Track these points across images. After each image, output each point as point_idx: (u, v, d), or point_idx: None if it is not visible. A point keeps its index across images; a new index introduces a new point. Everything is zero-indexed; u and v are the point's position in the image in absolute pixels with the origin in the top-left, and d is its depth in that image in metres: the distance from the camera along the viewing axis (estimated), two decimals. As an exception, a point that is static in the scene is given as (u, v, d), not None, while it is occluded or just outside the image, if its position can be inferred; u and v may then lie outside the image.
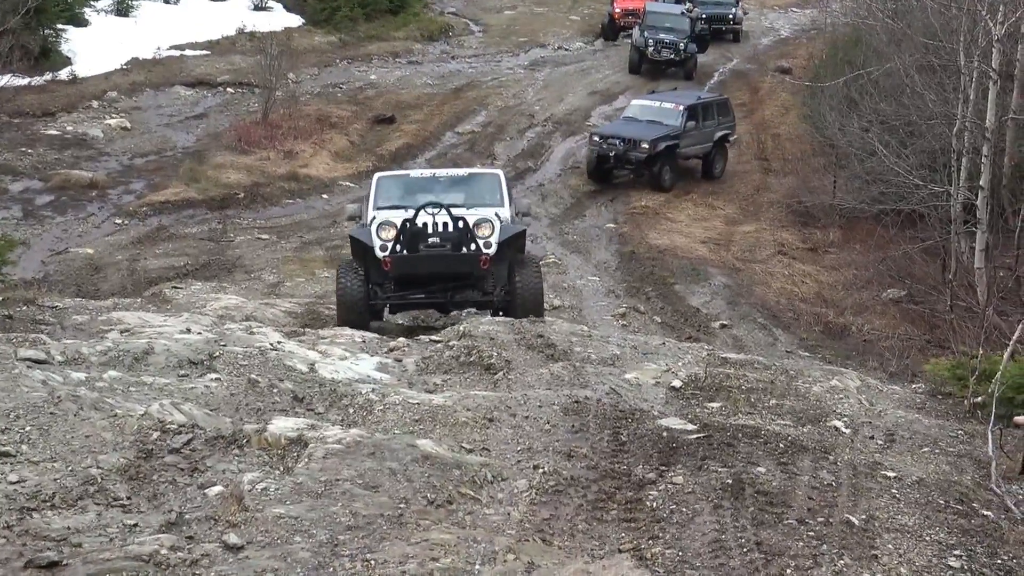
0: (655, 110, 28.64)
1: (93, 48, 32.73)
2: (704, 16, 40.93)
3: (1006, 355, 9.45)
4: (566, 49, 42.28)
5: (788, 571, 5.83)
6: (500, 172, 16.56)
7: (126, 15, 36.81)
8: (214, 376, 8.76)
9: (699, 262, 22.71)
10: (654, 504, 6.60)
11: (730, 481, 6.89)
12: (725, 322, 19.34)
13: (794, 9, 48.14)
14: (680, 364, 10.38)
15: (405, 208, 14.25)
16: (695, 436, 7.80)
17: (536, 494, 6.66)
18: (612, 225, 25.15)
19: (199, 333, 10.39)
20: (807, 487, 6.96)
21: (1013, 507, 7.15)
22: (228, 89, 32.96)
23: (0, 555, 5.28)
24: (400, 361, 10.50)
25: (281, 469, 6.67)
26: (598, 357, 10.63)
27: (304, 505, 6.05)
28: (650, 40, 37.27)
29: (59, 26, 32.53)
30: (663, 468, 7.16)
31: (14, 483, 6.09)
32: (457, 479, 6.69)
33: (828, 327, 19.83)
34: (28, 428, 6.82)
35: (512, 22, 45.64)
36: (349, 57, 38.46)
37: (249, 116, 30.30)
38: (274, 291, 18.56)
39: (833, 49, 33.45)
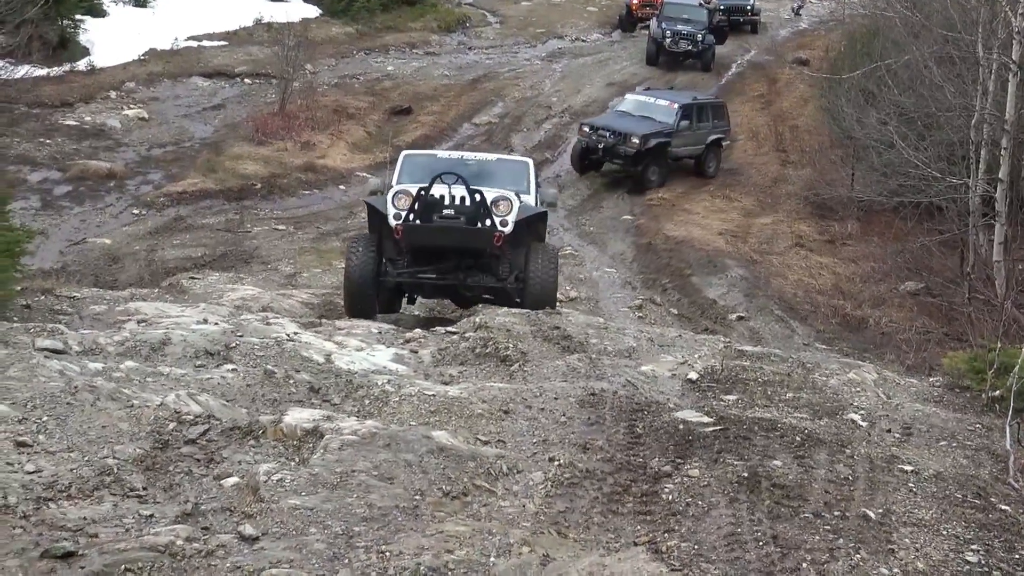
0: (649, 106, 28.27)
1: (111, 39, 32.79)
2: (722, 7, 40.84)
3: (1025, 348, 9.41)
4: (583, 40, 42.22)
5: (804, 565, 5.81)
6: (530, 160, 16.23)
7: (144, 5, 36.87)
8: (230, 367, 8.77)
9: (716, 254, 22.66)
10: (670, 497, 6.59)
11: (746, 474, 6.87)
12: (742, 314, 19.30)
13: (812, 1, 47.92)
14: (696, 356, 10.35)
15: None
16: (711, 429, 7.78)
17: (551, 486, 6.65)
18: (629, 216, 25.12)
19: (216, 324, 10.40)
20: (823, 481, 6.94)
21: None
22: (245, 80, 32.99)
23: (16, 545, 5.30)
24: (416, 352, 10.49)
25: (297, 460, 6.68)
26: (614, 349, 10.61)
27: (319, 496, 6.05)
28: (668, 31, 37.19)
29: (77, 17, 32.61)
30: (679, 461, 7.14)
31: (31, 473, 6.11)
32: (472, 471, 6.69)
33: (845, 320, 19.77)
34: (45, 418, 6.84)
35: (530, 13, 45.57)
36: (366, 48, 38.46)
37: (266, 107, 30.35)
38: (291, 282, 18.58)
39: (851, 41, 33.31)
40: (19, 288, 12.66)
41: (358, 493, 6.13)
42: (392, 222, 13.46)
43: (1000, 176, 20.11)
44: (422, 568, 5.32)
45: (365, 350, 10.31)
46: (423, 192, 13.43)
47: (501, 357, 10.12)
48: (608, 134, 26.83)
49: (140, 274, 18.97)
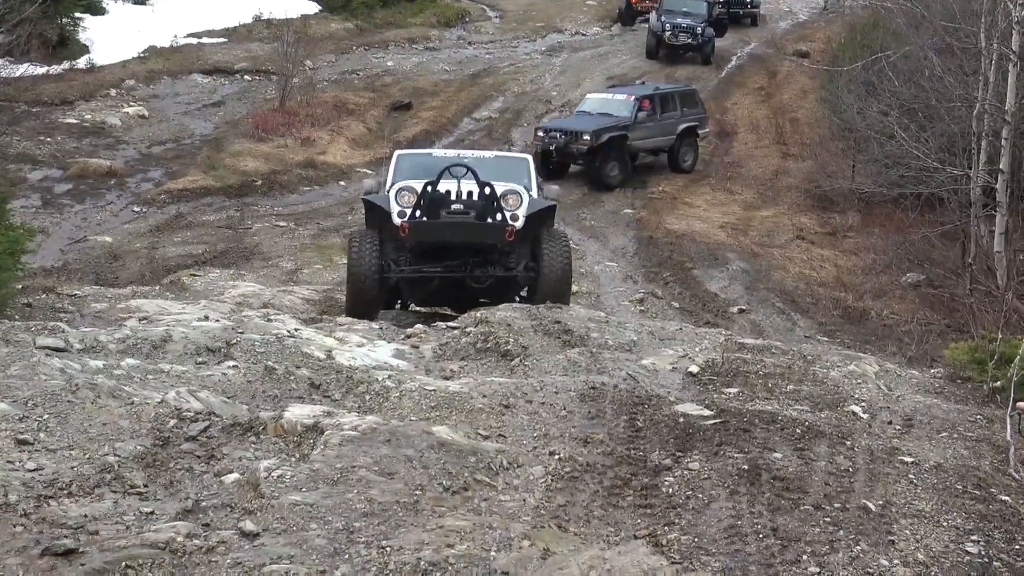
0: (608, 102, 27.79)
1: (110, 36, 32.86)
2: (722, 0, 40.80)
3: (1025, 339, 9.41)
4: (583, 34, 42.23)
5: (804, 557, 5.81)
6: (529, 157, 15.63)
7: (143, 3, 36.94)
8: (231, 363, 8.78)
9: (717, 247, 22.68)
10: (670, 490, 6.59)
11: (746, 467, 6.87)
12: (743, 307, 19.30)
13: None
14: (697, 349, 10.35)
15: None
16: (712, 422, 7.77)
17: (552, 480, 6.65)
18: (630, 210, 25.13)
19: (217, 321, 10.41)
20: (824, 473, 6.94)
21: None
22: (245, 77, 33.04)
23: (17, 543, 5.31)
24: (417, 348, 10.49)
25: (297, 456, 6.68)
26: (615, 343, 10.61)
27: (320, 492, 6.06)
28: (667, 25, 37.20)
29: (76, 15, 32.69)
30: (679, 454, 7.14)
31: (31, 471, 6.12)
32: (473, 466, 6.69)
33: (847, 312, 19.78)
34: (46, 416, 6.84)
35: (529, 7, 45.57)
36: (366, 44, 38.50)
37: (266, 103, 30.40)
38: (292, 278, 18.60)
39: (851, 32, 33.34)
40: (20, 286, 12.69)
41: (358, 488, 6.14)
42: (396, 220, 12.91)
43: (1001, 167, 20.11)
44: (422, 563, 5.32)
45: (366, 346, 10.31)
46: (430, 187, 12.89)
47: (502, 352, 10.12)
48: (559, 135, 26.23)
49: (141, 272, 19.00)
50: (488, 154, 15.98)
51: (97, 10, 34.70)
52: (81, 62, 31.22)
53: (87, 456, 6.40)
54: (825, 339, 17.34)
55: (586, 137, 25.79)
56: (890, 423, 8.37)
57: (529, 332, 10.64)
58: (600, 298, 18.75)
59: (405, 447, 6.72)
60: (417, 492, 6.21)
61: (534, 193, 13.96)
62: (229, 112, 30.15)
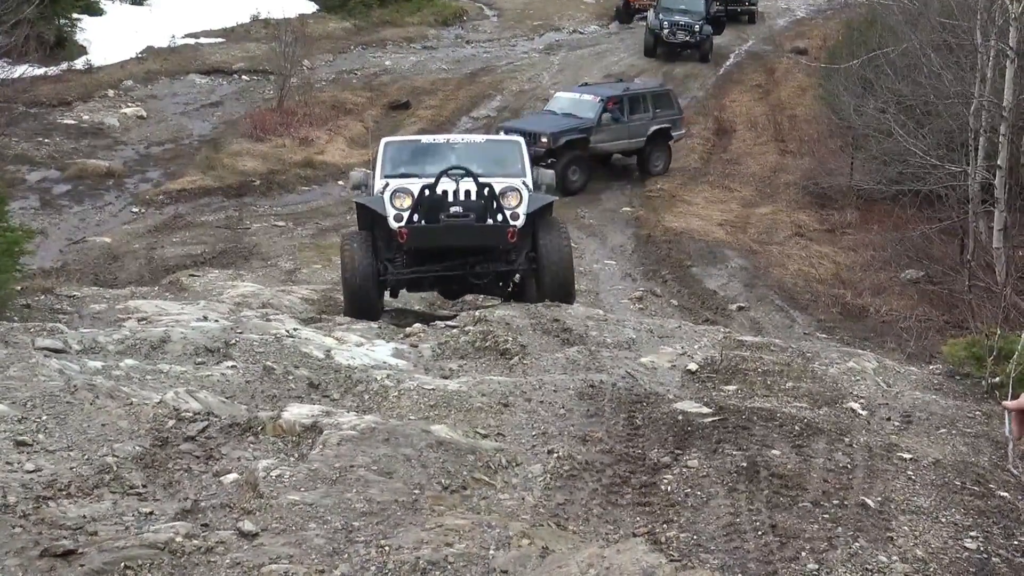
0: (574, 102, 26.72)
1: (108, 37, 32.87)
2: (719, -3, 40.80)
3: (1024, 335, 9.41)
4: (581, 32, 42.22)
5: (803, 554, 5.81)
6: (521, 140, 14.97)
7: (141, 3, 36.96)
8: (230, 363, 8.78)
9: (716, 244, 22.68)
10: (669, 488, 6.59)
11: (745, 464, 6.87)
12: (742, 304, 19.31)
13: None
14: (696, 347, 10.36)
15: (417, 176, 12.96)
16: (710, 419, 7.77)
17: (551, 479, 6.65)
18: (628, 208, 25.12)
19: (216, 321, 10.41)
20: (822, 469, 6.94)
21: (1031, 488, 7.13)
22: (243, 77, 33.03)
23: (16, 544, 5.31)
24: (416, 347, 10.49)
25: (296, 456, 6.68)
26: (614, 341, 10.61)
27: (319, 492, 6.06)
28: (665, 22, 37.16)
29: (74, 15, 32.73)
30: (678, 452, 7.14)
31: (30, 472, 6.12)
32: (472, 464, 6.69)
33: (846, 308, 19.79)
34: (45, 417, 6.84)
35: (526, 6, 45.54)
36: (363, 43, 38.49)
37: (264, 103, 30.40)
38: (290, 278, 18.60)
39: (849, 30, 33.31)
40: (19, 288, 12.69)
41: (357, 488, 6.13)
42: (393, 224, 12.42)
43: (999, 163, 20.11)
44: (421, 562, 5.32)
45: (365, 345, 10.31)
46: (428, 190, 12.41)
47: (500, 350, 10.13)
48: (519, 136, 25.56)
49: (140, 272, 19.00)
50: (479, 138, 15.55)
51: (95, 11, 34.72)
52: (79, 63, 31.22)
53: (86, 457, 6.40)
54: (824, 336, 17.35)
55: (543, 139, 24.74)
56: (889, 419, 8.37)
57: (528, 331, 10.65)
58: (599, 296, 18.75)
59: (404, 446, 6.72)
60: (416, 491, 6.21)
61: (528, 179, 13.52)
62: (227, 112, 30.15)
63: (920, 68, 23.15)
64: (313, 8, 40.57)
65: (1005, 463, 7.53)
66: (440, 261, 12.87)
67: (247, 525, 5.64)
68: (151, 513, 5.85)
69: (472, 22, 43.28)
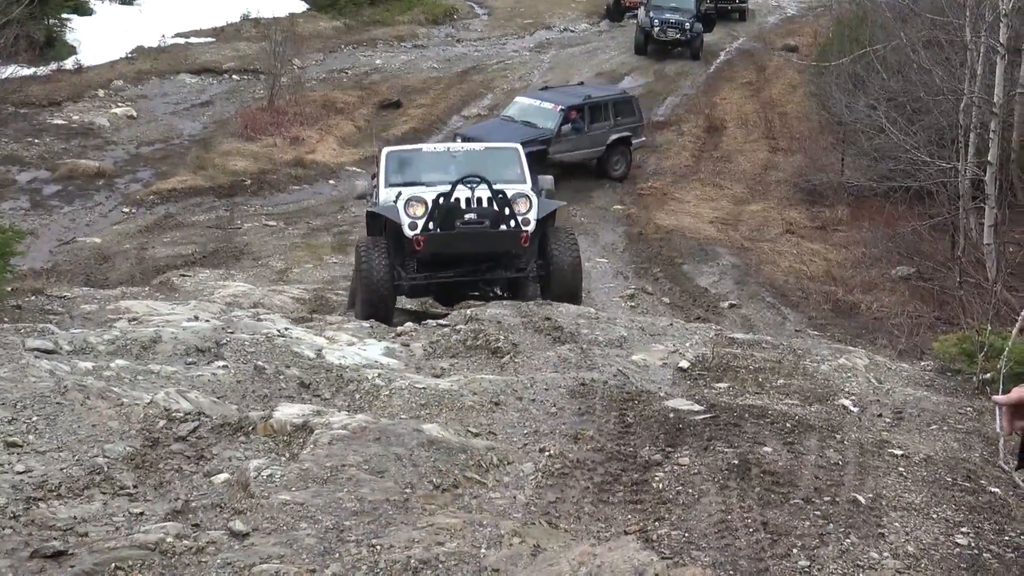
0: (533, 110, 25.89)
1: (98, 37, 32.81)
2: (709, -5, 40.82)
3: (1015, 331, 9.42)
4: (572, 30, 42.23)
5: (794, 551, 5.82)
6: (518, 146, 15.26)
7: (130, 3, 36.92)
8: (221, 363, 8.76)
9: (707, 242, 22.69)
10: (660, 486, 6.59)
11: (736, 461, 6.87)
12: (734, 302, 19.32)
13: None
14: (687, 345, 10.36)
15: (422, 184, 13.34)
16: (702, 417, 7.78)
17: (542, 477, 6.66)
18: (619, 206, 25.12)
19: (207, 321, 10.39)
20: (814, 466, 6.95)
21: (1021, 483, 7.13)
22: (233, 76, 32.99)
23: (6, 545, 5.30)
24: (407, 346, 10.48)
25: (287, 455, 6.67)
26: (605, 339, 10.61)
27: (310, 491, 6.05)
28: (656, 20, 37.18)
29: (64, 15, 32.69)
30: (669, 449, 7.14)
31: (21, 473, 6.10)
32: (463, 463, 6.69)
33: (837, 305, 19.80)
34: (35, 418, 6.82)
35: (517, 4, 45.55)
36: (354, 42, 38.48)
37: (255, 103, 30.37)
38: (282, 278, 18.58)
39: (839, 27, 33.33)
40: (9, 288, 12.66)
41: (348, 487, 6.13)
42: (408, 232, 12.68)
43: (989, 159, 20.14)
44: (413, 561, 5.32)
45: (356, 345, 10.29)
46: (443, 198, 12.70)
47: (492, 349, 10.13)
48: None
49: (131, 272, 18.96)
50: (478, 146, 15.78)
51: (84, 11, 34.66)
52: (68, 63, 31.17)
53: (76, 458, 6.39)
54: (815, 333, 17.37)
55: None
56: (880, 416, 8.38)
57: (519, 329, 10.65)
58: (590, 294, 18.72)
59: (395, 445, 6.72)
60: (407, 490, 6.21)
61: (528, 184, 13.81)
62: (218, 112, 30.11)
63: (910, 65, 23.18)
64: (303, 7, 40.55)
65: (996, 459, 7.54)
66: (451, 267, 13.16)
67: (238, 525, 5.63)
68: (142, 514, 5.84)
69: (462, 21, 43.27)
